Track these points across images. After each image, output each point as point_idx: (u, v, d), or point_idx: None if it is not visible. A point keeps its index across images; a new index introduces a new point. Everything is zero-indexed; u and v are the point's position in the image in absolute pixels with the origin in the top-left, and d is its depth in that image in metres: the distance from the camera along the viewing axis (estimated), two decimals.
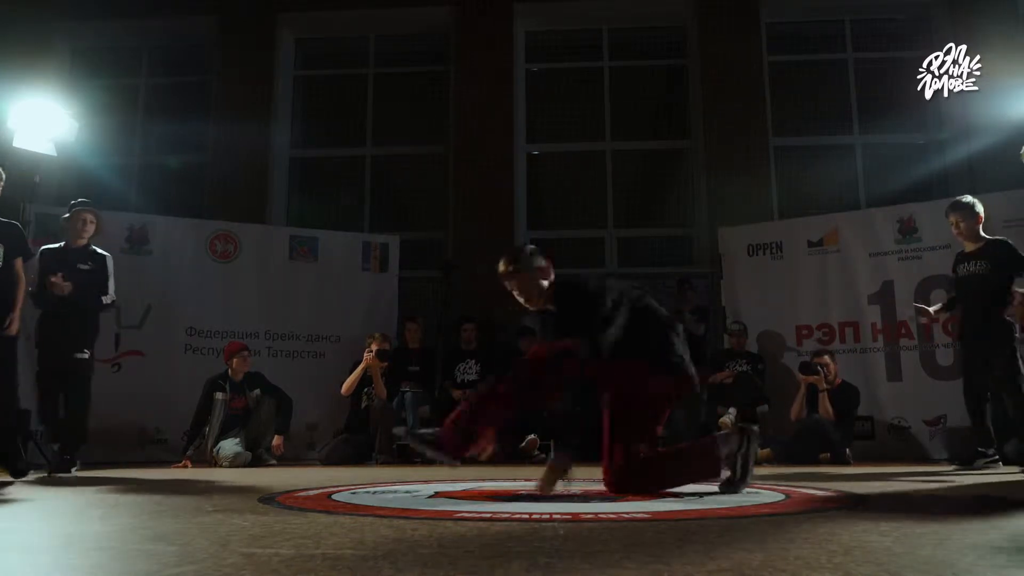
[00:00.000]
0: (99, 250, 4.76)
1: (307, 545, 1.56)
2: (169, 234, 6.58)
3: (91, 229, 4.70)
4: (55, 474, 4.26)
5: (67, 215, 4.71)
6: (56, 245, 4.67)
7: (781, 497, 2.65)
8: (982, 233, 4.49)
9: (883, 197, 7.34)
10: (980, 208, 4.48)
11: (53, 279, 4.39)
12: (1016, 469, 4.23)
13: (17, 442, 4.30)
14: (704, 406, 6.58)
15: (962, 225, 4.48)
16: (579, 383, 2.69)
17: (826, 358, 5.72)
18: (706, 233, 7.62)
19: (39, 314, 4.61)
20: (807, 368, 5.63)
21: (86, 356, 4.58)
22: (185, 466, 5.24)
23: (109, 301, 4.72)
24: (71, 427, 4.56)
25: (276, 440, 5.78)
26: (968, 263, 4.49)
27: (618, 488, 2.71)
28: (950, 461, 4.98)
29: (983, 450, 4.41)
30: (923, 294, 6.09)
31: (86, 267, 4.62)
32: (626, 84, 8.47)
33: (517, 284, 2.93)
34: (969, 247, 4.53)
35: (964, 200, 4.53)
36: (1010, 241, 4.47)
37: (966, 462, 4.44)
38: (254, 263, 6.74)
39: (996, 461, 4.39)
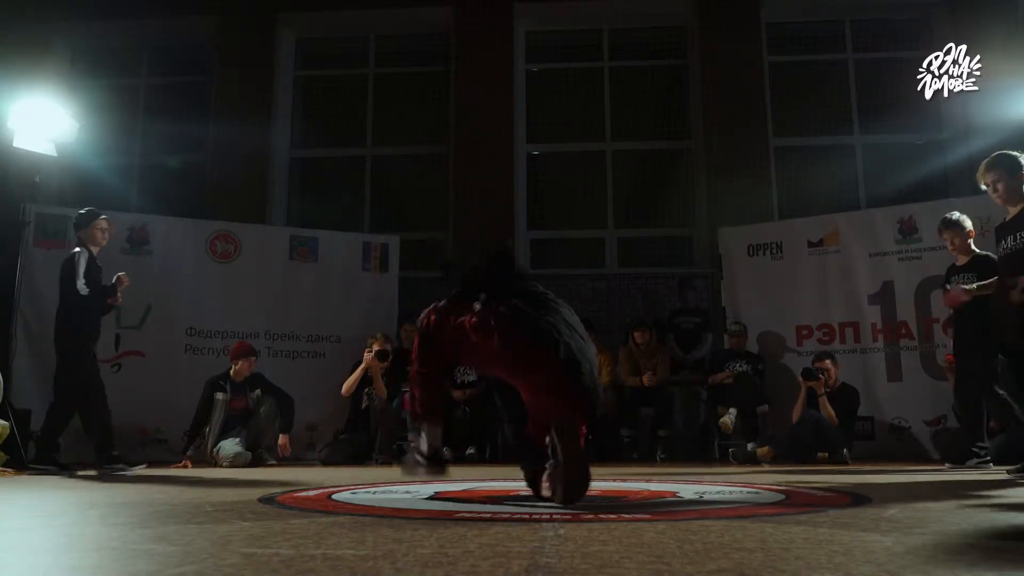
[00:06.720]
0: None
1: (307, 545, 1.56)
2: (169, 234, 6.58)
3: (108, 236, 4.90)
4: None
5: (85, 226, 4.76)
6: (86, 251, 4.71)
7: (781, 497, 2.66)
8: (972, 247, 4.72)
9: (883, 197, 7.34)
10: (968, 223, 4.74)
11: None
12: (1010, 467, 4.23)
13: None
14: (704, 406, 6.59)
15: (956, 242, 4.76)
16: None
17: (827, 363, 5.72)
18: (706, 233, 7.61)
19: (63, 318, 4.67)
20: (808, 374, 5.64)
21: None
22: (185, 466, 5.24)
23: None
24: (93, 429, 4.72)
25: (282, 439, 5.77)
26: (960, 276, 4.67)
27: None
28: (942, 461, 5.03)
29: (975, 449, 4.47)
30: (923, 294, 6.09)
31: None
32: (626, 84, 8.47)
33: None
34: (961, 260, 4.77)
35: (953, 218, 4.79)
36: (993, 255, 4.52)
37: (958, 461, 4.52)
38: (254, 263, 6.73)
39: (987, 460, 4.44)
